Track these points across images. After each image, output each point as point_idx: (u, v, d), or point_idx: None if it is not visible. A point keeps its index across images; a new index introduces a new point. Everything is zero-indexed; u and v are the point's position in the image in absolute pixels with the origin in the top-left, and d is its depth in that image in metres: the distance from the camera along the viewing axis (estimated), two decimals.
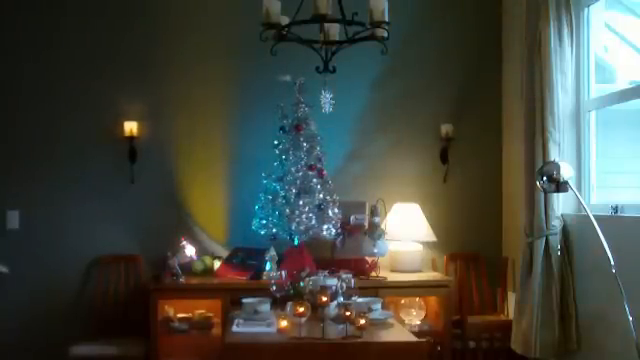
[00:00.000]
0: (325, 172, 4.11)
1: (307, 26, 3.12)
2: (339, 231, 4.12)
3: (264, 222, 4.05)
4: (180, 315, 4.16)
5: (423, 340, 2.92)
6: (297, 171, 4.02)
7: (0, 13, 4.46)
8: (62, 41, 4.49)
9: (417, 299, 3.88)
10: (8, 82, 4.46)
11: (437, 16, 4.73)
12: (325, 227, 3.98)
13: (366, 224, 4.24)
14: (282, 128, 4.08)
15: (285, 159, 4.05)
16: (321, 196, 4.00)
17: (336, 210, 4.02)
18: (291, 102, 4.09)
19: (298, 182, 4.00)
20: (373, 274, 4.16)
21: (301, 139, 4.06)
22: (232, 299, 3.69)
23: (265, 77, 4.41)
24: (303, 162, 4.04)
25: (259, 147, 4.34)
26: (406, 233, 4.38)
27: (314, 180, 4.01)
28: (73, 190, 4.46)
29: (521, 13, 3.97)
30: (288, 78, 4.10)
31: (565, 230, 3.75)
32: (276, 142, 4.08)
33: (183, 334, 4.06)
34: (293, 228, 3.96)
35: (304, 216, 3.95)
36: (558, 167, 3.02)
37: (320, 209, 3.97)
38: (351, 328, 2.85)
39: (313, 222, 3.96)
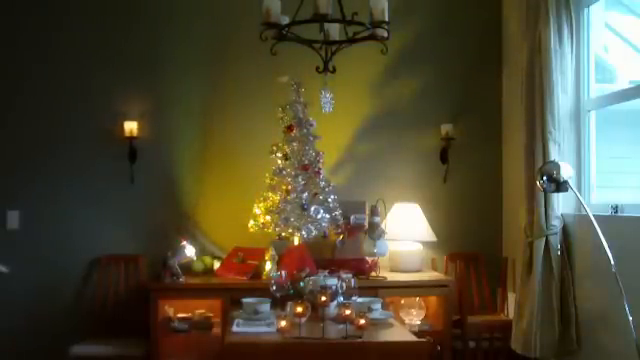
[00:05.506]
0: (322, 172, 4.11)
1: (307, 26, 3.12)
2: (327, 232, 4.11)
3: (261, 222, 4.06)
4: (180, 315, 4.16)
5: (423, 340, 2.91)
6: (283, 169, 4.03)
7: (1, 14, 4.46)
8: (62, 41, 4.49)
9: (417, 299, 3.85)
10: (8, 82, 4.46)
11: (437, 16, 4.73)
12: (306, 227, 3.98)
13: (366, 224, 4.24)
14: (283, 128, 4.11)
15: (281, 159, 4.06)
16: (304, 195, 4.00)
17: (321, 210, 4.02)
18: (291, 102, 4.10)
19: (289, 182, 4.01)
20: (373, 274, 4.15)
21: (290, 139, 4.07)
22: (232, 299, 3.69)
23: (265, 77, 4.42)
24: (297, 162, 4.05)
25: (258, 147, 4.34)
26: (406, 233, 4.38)
27: (299, 179, 4.01)
28: (73, 190, 4.46)
29: (521, 14, 3.97)
30: (285, 79, 4.10)
31: (565, 230, 3.75)
32: (275, 142, 4.10)
33: (183, 334, 4.06)
34: (279, 228, 3.97)
35: (283, 216, 3.96)
36: (558, 167, 3.02)
37: (304, 209, 3.97)
38: (351, 328, 2.84)
39: (292, 220, 3.96)
